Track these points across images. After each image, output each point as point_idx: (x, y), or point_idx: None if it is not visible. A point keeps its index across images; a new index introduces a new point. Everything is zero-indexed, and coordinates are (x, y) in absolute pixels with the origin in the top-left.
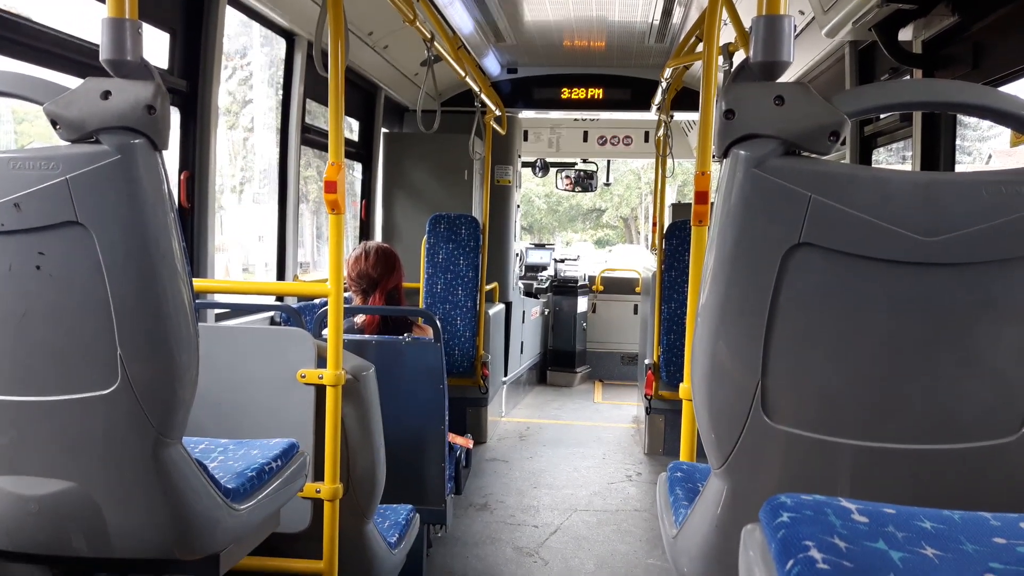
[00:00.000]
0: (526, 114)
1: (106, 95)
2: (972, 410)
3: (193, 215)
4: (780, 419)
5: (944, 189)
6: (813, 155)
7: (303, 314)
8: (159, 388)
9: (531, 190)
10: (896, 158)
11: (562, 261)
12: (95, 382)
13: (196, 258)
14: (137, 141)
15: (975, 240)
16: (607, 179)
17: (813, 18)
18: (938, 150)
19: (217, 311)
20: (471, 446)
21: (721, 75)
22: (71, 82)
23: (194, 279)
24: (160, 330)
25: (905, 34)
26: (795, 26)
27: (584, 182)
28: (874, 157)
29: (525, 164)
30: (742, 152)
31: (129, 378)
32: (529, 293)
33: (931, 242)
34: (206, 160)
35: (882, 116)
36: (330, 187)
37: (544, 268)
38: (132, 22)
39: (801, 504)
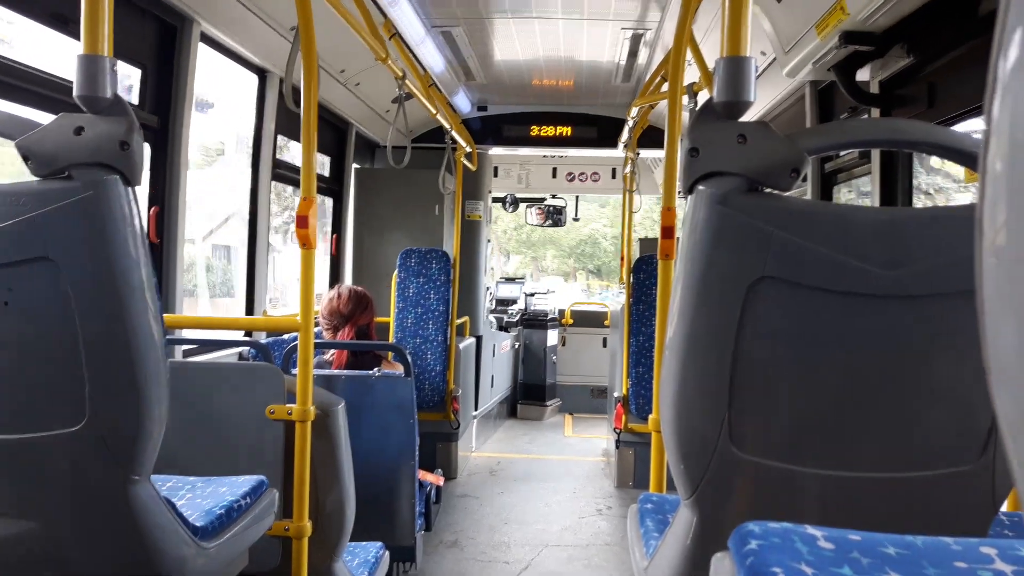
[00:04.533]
0: (496, 150)
1: (79, 131)
2: (934, 439)
3: (162, 250)
4: (748, 449)
5: (903, 223)
6: (775, 191)
7: (272, 349)
8: (127, 425)
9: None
10: (856, 194)
11: (532, 295)
12: (62, 419)
13: (165, 293)
14: (110, 177)
15: (934, 273)
16: (575, 215)
17: (775, 59)
18: (896, 186)
19: (185, 347)
20: (442, 483)
21: (686, 114)
22: (44, 118)
23: (165, 314)
24: (130, 367)
25: (863, 74)
26: (757, 67)
27: (554, 217)
28: (835, 194)
29: (496, 199)
30: (706, 189)
31: (97, 415)
32: (500, 327)
33: (891, 275)
34: (176, 196)
35: (842, 153)
36: (302, 222)
37: (514, 302)
38: (106, 59)
39: (769, 532)
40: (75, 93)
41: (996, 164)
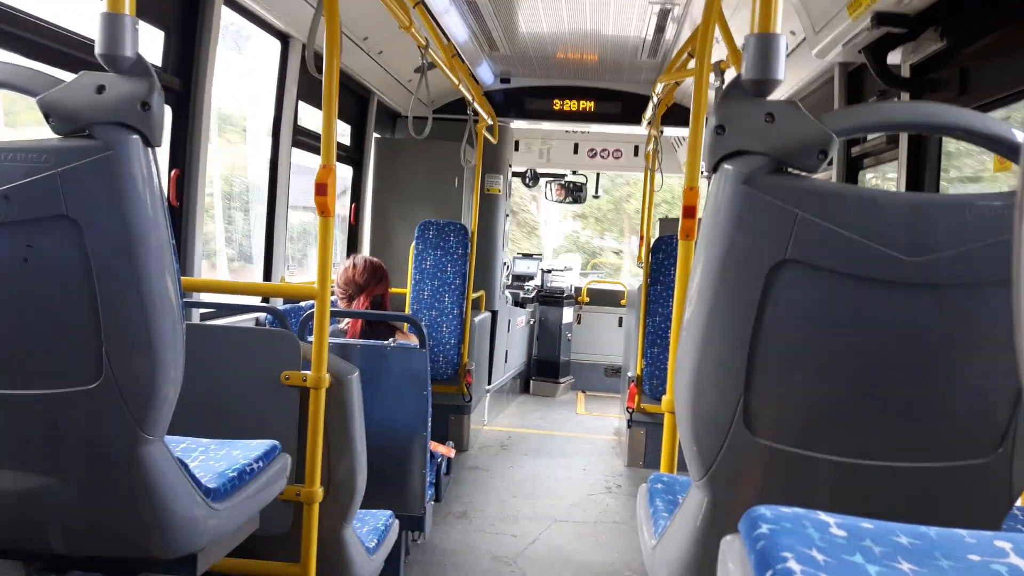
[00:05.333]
0: (517, 124)
1: (100, 90)
2: (951, 429)
3: (183, 213)
4: (762, 433)
5: (929, 210)
6: (801, 173)
7: (289, 316)
8: (143, 385)
9: None
10: (880, 180)
11: (549, 271)
12: (78, 377)
13: (184, 256)
14: (130, 137)
15: (958, 262)
16: (596, 191)
17: (804, 39)
18: (923, 173)
19: (203, 310)
20: (453, 455)
21: (712, 92)
22: (67, 77)
23: (181, 277)
24: (146, 326)
25: (894, 57)
26: (787, 45)
27: (574, 193)
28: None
29: (516, 174)
30: (731, 167)
31: (113, 374)
32: (516, 303)
33: (915, 262)
34: (197, 159)
35: (869, 137)
36: (321, 190)
37: (531, 278)
38: (129, 18)
39: (780, 516)
40: (97, 51)
41: None
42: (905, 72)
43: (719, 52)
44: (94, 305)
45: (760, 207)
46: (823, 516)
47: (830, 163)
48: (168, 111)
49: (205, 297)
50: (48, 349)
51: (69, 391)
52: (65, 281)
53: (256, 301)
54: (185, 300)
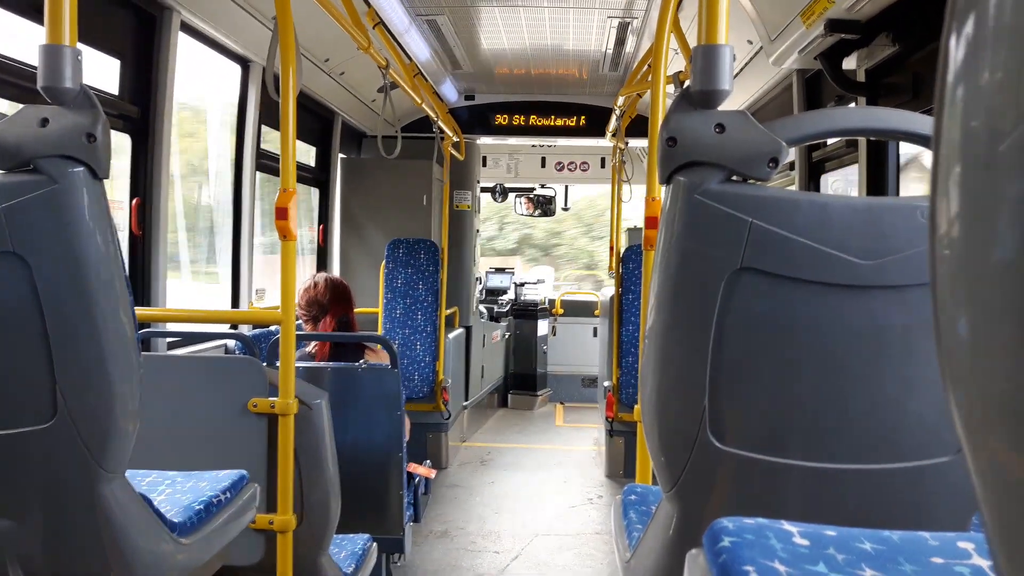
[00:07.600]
0: (484, 140)
1: (44, 122)
2: (914, 430)
3: (145, 242)
4: (728, 441)
5: (882, 213)
6: (754, 181)
7: (259, 342)
8: (100, 421)
9: None
10: (843, 183)
11: (522, 285)
12: (33, 416)
13: (148, 286)
14: (76, 170)
15: (912, 263)
16: (565, 204)
17: (762, 47)
18: (884, 176)
19: (169, 340)
20: (433, 476)
21: (671, 103)
22: (11, 109)
23: (146, 308)
24: (100, 361)
25: (849, 63)
26: (735, 55)
27: (544, 206)
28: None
29: (484, 189)
30: (684, 179)
31: (68, 412)
32: (490, 317)
33: (870, 265)
34: (158, 187)
35: (829, 142)
36: (281, 213)
37: (504, 292)
38: (70, 49)
39: (743, 528)
40: (39, 84)
41: (949, 153)
42: (861, 77)
43: (680, 63)
44: (45, 342)
45: (713, 217)
46: (787, 525)
47: (792, 168)
48: (127, 140)
49: (172, 326)
50: (0, 388)
51: (23, 431)
52: (14, 319)
53: (224, 328)
54: (151, 330)
